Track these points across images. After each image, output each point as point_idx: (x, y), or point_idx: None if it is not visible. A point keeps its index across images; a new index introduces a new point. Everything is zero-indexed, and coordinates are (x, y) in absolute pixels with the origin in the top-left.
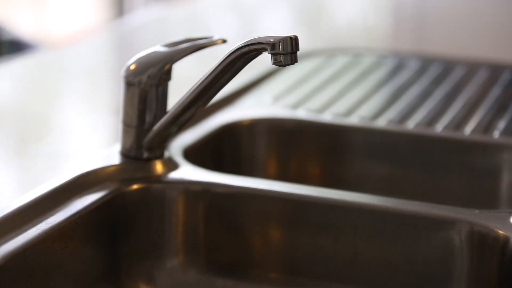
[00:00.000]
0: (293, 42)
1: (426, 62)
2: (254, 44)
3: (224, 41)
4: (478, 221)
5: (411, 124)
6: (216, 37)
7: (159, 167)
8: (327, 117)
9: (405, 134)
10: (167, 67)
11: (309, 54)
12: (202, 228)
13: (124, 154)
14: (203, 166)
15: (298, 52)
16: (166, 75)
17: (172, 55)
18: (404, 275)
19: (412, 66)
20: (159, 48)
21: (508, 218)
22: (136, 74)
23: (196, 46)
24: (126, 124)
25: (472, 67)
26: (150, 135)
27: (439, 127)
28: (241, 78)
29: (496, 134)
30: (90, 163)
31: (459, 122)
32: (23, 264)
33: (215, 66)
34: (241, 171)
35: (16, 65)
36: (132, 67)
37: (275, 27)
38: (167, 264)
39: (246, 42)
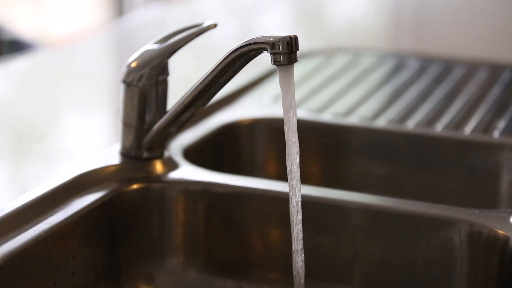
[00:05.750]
0: (292, 41)
1: (426, 62)
2: (254, 43)
3: (215, 25)
4: (478, 221)
5: (411, 124)
6: (206, 23)
7: (159, 167)
8: (327, 117)
9: (405, 134)
10: (163, 63)
11: (309, 54)
12: (202, 228)
13: (124, 154)
14: (203, 166)
15: (297, 51)
16: (163, 72)
17: (166, 50)
18: (404, 275)
19: (412, 66)
20: (150, 46)
21: (508, 218)
22: (133, 75)
23: (189, 36)
24: (126, 124)
25: (472, 67)
26: (150, 135)
27: (439, 127)
28: (241, 78)
29: (496, 134)
30: (90, 163)
31: (459, 122)
32: (23, 264)
33: (215, 66)
34: (241, 171)
35: (16, 65)
36: (128, 68)
37: (275, 27)
38: (167, 264)
39: (246, 41)
